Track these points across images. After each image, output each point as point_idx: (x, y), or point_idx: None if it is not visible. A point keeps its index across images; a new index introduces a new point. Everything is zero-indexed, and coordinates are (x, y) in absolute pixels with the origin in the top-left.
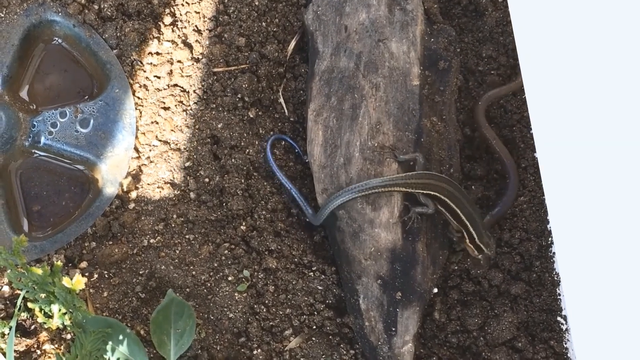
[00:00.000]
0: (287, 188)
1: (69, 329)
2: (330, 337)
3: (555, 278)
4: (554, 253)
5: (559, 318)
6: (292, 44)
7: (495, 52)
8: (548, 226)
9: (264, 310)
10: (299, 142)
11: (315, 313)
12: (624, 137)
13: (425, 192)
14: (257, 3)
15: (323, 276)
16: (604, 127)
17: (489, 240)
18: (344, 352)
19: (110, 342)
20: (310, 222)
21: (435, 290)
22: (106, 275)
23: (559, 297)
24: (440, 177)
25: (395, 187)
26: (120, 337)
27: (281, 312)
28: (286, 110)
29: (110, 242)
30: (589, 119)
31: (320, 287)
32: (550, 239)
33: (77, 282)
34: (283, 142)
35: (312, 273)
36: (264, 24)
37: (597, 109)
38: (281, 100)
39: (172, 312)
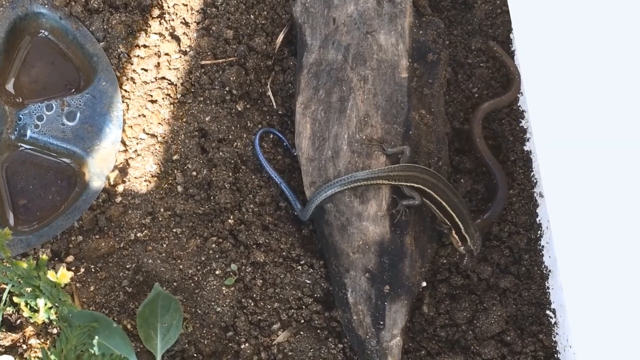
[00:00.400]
0: (276, 182)
1: (55, 323)
2: (318, 331)
3: (544, 271)
4: (542, 246)
5: (547, 312)
6: (281, 36)
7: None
8: (537, 219)
9: (252, 304)
10: (287, 136)
11: (304, 307)
12: (622, 135)
13: (408, 184)
14: None
15: (311, 270)
16: (600, 124)
17: (475, 232)
18: (332, 346)
19: (96, 337)
20: (299, 217)
21: (424, 283)
22: (93, 270)
23: (547, 290)
24: (423, 169)
25: (379, 180)
26: (107, 332)
27: (269, 306)
28: (274, 103)
29: (97, 236)
30: (584, 116)
31: (308, 281)
32: (539, 232)
33: (62, 275)
34: (271, 136)
35: (300, 267)
36: (252, 16)
37: (591, 108)
38: (269, 93)
39: (159, 306)
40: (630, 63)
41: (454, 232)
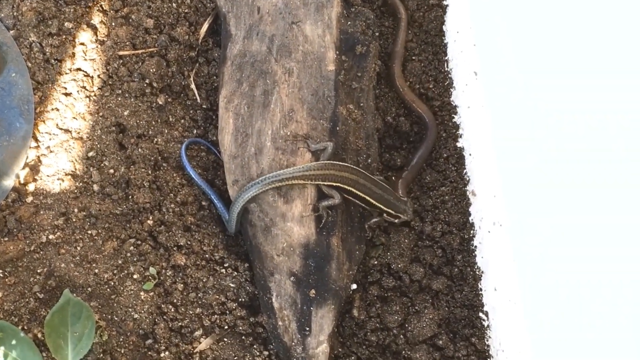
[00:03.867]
0: (207, 194)
1: None
2: (243, 337)
3: (477, 273)
4: (475, 247)
5: (480, 314)
6: (205, 26)
7: (416, 37)
8: (470, 218)
9: (172, 310)
10: (212, 131)
11: (227, 312)
12: (556, 133)
13: (327, 183)
14: None
15: (235, 273)
16: (534, 120)
17: (405, 205)
18: (257, 353)
19: (1, 347)
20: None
21: (354, 286)
22: (1, 275)
23: (480, 292)
24: (342, 166)
25: (294, 180)
26: (13, 342)
27: (191, 312)
28: (198, 97)
29: (6, 239)
30: (518, 112)
31: (232, 285)
32: (472, 231)
33: None
34: (195, 131)
35: (224, 270)
36: (174, 4)
37: (524, 105)
38: (193, 86)
39: (69, 314)
40: (559, 60)
41: (385, 215)
